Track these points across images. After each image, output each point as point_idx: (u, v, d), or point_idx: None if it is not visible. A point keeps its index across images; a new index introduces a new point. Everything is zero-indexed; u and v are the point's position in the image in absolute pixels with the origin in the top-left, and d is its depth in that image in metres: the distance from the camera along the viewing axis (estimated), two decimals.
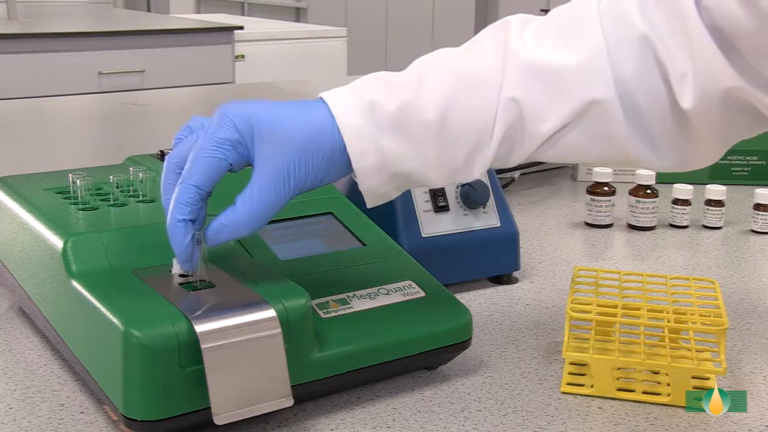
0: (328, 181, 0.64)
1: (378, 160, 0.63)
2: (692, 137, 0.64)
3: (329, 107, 0.63)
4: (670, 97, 0.62)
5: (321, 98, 0.64)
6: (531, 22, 0.66)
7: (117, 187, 0.79)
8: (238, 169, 0.64)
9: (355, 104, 0.63)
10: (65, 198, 0.77)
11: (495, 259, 0.92)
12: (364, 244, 0.78)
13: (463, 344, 0.72)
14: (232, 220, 0.62)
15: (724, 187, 1.14)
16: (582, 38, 0.63)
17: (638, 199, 1.13)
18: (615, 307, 0.74)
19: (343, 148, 0.62)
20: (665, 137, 0.64)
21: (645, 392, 0.69)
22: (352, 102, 0.63)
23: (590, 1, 0.65)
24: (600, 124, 0.63)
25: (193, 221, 0.62)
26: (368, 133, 0.62)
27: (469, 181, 0.67)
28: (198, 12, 5.75)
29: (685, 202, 1.14)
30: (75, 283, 0.64)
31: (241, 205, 0.62)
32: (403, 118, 0.63)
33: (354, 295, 0.70)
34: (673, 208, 1.15)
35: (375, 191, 0.65)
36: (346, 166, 0.63)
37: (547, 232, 1.12)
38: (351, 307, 0.69)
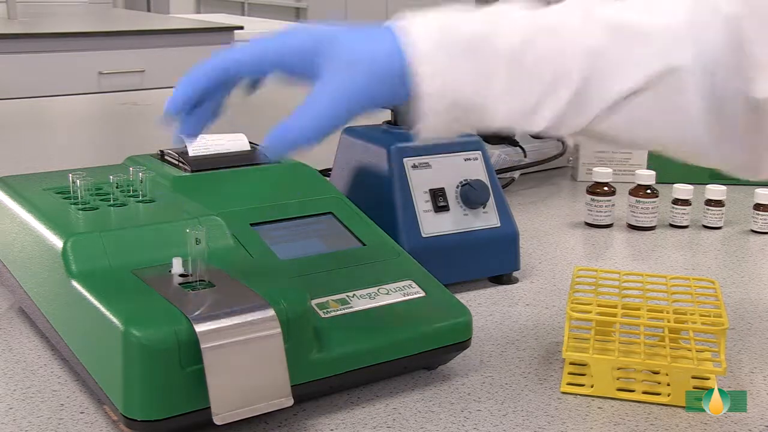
0: (391, 104, 0.62)
1: (441, 84, 0.60)
2: (765, 136, 0.61)
3: (400, 27, 0.61)
4: (747, 84, 0.60)
5: (395, 19, 0.62)
6: None
7: (117, 187, 0.79)
8: (280, 77, 0.62)
9: (425, 26, 0.61)
10: (65, 198, 0.77)
11: (495, 259, 0.92)
12: (364, 244, 0.78)
13: (463, 344, 0.72)
14: (298, 125, 0.60)
15: (724, 187, 1.14)
16: (668, 8, 0.61)
17: (638, 199, 1.13)
18: (615, 307, 0.74)
19: (409, 70, 0.60)
20: (737, 130, 0.61)
21: (645, 392, 0.69)
22: (422, 24, 0.61)
23: None
24: (673, 96, 0.60)
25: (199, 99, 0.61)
26: (436, 54, 0.60)
27: (530, 131, 0.63)
28: (198, 12, 5.76)
29: (685, 202, 1.14)
30: (75, 283, 0.64)
31: (308, 111, 0.60)
32: (476, 44, 0.60)
33: (354, 295, 0.70)
34: (673, 208, 1.15)
35: (431, 121, 0.61)
36: (408, 87, 0.61)
37: (547, 232, 1.12)
38: (351, 307, 0.69)
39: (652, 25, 0.61)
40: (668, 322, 0.73)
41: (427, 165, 0.90)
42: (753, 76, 0.59)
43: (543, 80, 0.61)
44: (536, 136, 1.37)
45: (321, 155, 1.09)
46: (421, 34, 0.61)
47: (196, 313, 0.59)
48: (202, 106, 0.62)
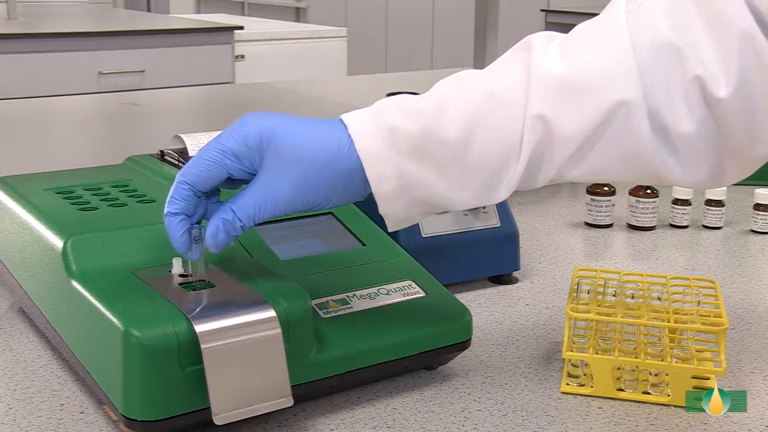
0: (341, 203, 0.64)
1: (398, 185, 0.62)
2: (721, 144, 0.62)
3: (348, 130, 0.62)
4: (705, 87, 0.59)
5: (341, 120, 0.64)
6: (555, 39, 0.64)
7: (117, 187, 0.79)
8: (237, 179, 0.64)
9: (375, 128, 0.62)
10: (65, 198, 0.77)
11: (495, 259, 0.92)
12: (364, 244, 0.78)
13: (463, 344, 0.72)
14: (227, 224, 0.62)
15: (724, 187, 1.14)
16: (607, 42, 0.61)
17: (638, 199, 1.13)
18: (615, 307, 0.74)
19: (361, 171, 0.62)
20: (692, 149, 0.62)
21: (645, 392, 0.69)
22: (371, 125, 0.62)
23: (617, 9, 0.63)
24: (625, 132, 0.60)
25: (188, 216, 0.63)
26: (388, 157, 0.62)
27: (495, 203, 0.65)
28: (198, 12, 5.76)
29: (685, 202, 1.14)
30: (75, 283, 0.64)
31: (239, 209, 0.62)
32: (424, 141, 0.61)
33: (354, 295, 0.70)
34: (673, 208, 1.15)
35: (396, 216, 0.64)
36: (363, 189, 0.63)
37: (547, 232, 1.12)
38: (351, 307, 0.69)
39: (593, 67, 0.61)
40: (668, 322, 0.73)
41: None
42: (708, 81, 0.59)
43: (493, 162, 0.62)
44: None
45: None
46: (372, 135, 0.62)
47: (196, 313, 0.59)
48: (195, 222, 0.64)
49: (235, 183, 0.65)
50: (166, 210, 0.63)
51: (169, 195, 0.63)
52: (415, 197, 0.63)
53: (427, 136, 0.61)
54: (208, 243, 0.63)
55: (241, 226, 0.62)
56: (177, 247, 0.63)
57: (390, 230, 0.66)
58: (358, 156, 0.62)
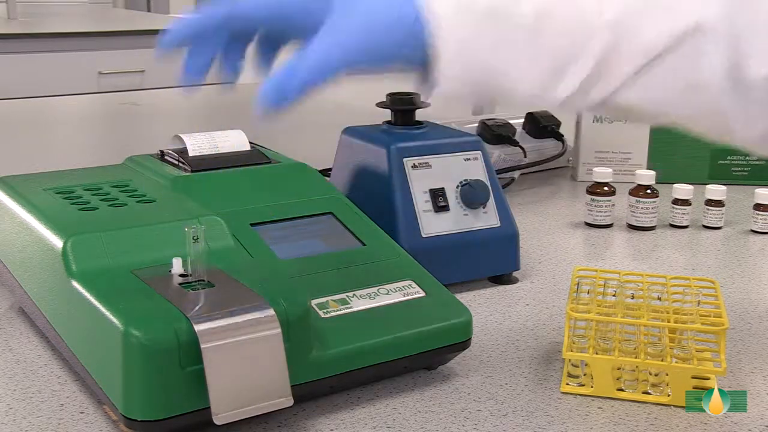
0: (398, 62, 0.61)
1: (460, 48, 0.59)
2: None
3: None
4: None
5: None
6: None
7: (117, 187, 0.79)
8: (286, 33, 0.62)
9: None
10: (65, 198, 0.77)
11: (495, 259, 0.92)
12: (364, 244, 0.78)
13: (463, 344, 0.72)
14: (305, 65, 0.59)
15: (724, 187, 1.14)
16: None
17: (638, 199, 1.13)
18: (615, 307, 0.74)
19: (426, 30, 0.59)
20: (759, 97, 0.59)
21: (645, 392, 0.69)
22: None
23: None
24: (693, 58, 0.59)
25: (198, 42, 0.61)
26: (454, 16, 0.59)
27: (552, 102, 0.62)
28: None
29: (685, 202, 1.14)
30: (75, 283, 0.64)
31: (317, 49, 0.59)
32: (495, 11, 0.59)
33: (354, 295, 0.70)
34: (673, 208, 1.15)
35: (449, 85, 0.60)
36: (424, 49, 0.59)
37: (547, 232, 1.12)
38: (351, 307, 0.69)
39: None
40: (668, 322, 0.73)
41: (427, 165, 0.90)
42: None
43: (564, 49, 0.60)
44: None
45: (321, 155, 1.10)
46: None
47: (196, 312, 0.59)
48: (208, 46, 0.61)
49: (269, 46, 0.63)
50: (179, 23, 0.60)
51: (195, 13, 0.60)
52: (475, 65, 0.60)
53: (499, 8, 0.60)
54: (269, 97, 0.60)
55: (317, 75, 0.59)
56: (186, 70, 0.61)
57: (435, 103, 0.63)
58: (423, 14, 0.59)
